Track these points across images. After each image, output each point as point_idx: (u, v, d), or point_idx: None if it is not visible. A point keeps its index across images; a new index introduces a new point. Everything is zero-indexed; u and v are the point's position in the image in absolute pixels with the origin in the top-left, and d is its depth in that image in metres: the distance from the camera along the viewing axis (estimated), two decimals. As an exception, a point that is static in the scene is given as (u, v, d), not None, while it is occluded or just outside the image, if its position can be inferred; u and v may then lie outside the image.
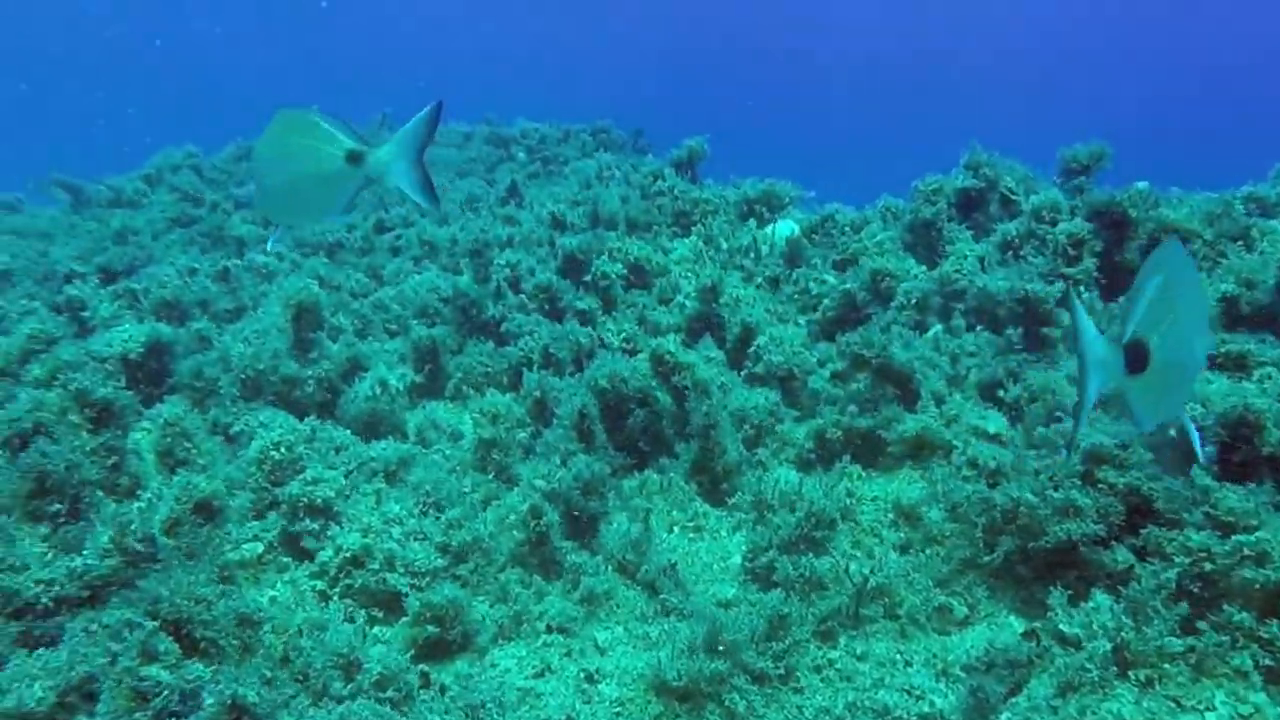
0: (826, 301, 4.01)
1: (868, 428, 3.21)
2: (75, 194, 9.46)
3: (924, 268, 3.98)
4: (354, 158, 2.26)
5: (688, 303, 4.46)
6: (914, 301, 3.68)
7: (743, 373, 4.00)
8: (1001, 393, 3.08)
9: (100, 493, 2.94)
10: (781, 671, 2.45)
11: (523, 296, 5.03)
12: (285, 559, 3.19)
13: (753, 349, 3.94)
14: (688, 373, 3.44)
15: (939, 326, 3.49)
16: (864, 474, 3.22)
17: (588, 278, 5.07)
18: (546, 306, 4.98)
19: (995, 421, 2.81)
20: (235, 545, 3.20)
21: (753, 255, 5.37)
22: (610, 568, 2.92)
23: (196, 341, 4.40)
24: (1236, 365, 2.82)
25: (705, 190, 6.28)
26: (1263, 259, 3.11)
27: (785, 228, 5.43)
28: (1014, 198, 4.33)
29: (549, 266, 5.25)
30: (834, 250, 4.84)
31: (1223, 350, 2.85)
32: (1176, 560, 2.01)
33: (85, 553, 2.52)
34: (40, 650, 2.19)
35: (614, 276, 4.89)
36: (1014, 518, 2.38)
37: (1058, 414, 2.66)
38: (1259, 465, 2.27)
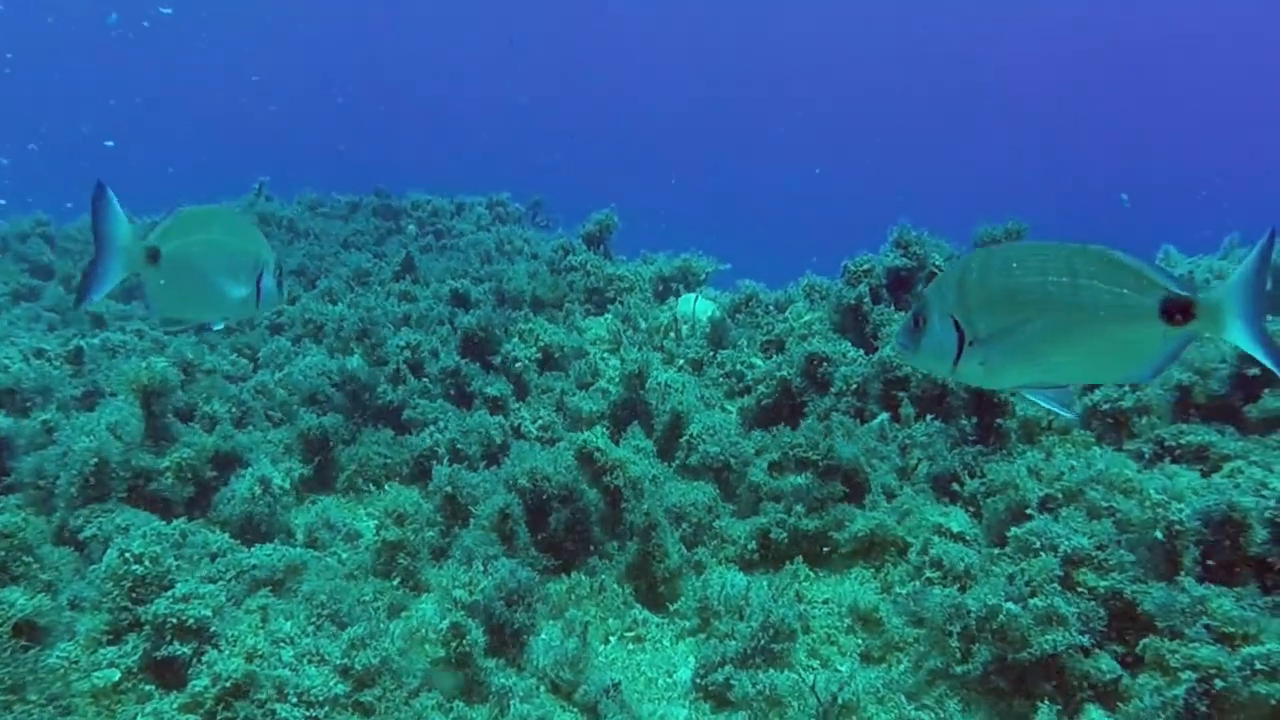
0: (762, 388, 3.93)
1: (816, 529, 3.10)
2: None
3: (861, 351, 3.96)
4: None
5: (611, 388, 4.32)
6: (854, 388, 3.64)
7: (674, 464, 3.87)
8: (956, 487, 3.03)
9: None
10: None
11: (425, 380, 4.79)
12: (148, 687, 2.81)
13: (684, 438, 3.81)
14: (620, 471, 3.28)
15: (884, 415, 3.45)
16: (812, 573, 3.10)
17: (497, 359, 4.89)
18: (452, 391, 4.75)
19: (958, 519, 2.74)
20: (85, 673, 2.81)
21: (672, 336, 5.30)
22: (543, 689, 2.67)
23: (43, 434, 3.97)
24: (1198, 457, 2.86)
25: (619, 266, 6.23)
26: (1215, 345, 3.22)
27: (705, 307, 5.39)
28: (946, 279, 4.40)
29: (451, 347, 5.04)
30: (759, 331, 4.81)
31: (1182, 442, 2.88)
32: (1183, 675, 1.94)
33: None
34: None
35: (526, 360, 4.72)
36: (989, 625, 2.28)
37: (1028, 511, 2.61)
38: (1239, 566, 2.26)
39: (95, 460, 3.54)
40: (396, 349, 5.01)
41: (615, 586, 3.25)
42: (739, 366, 4.50)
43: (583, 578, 3.31)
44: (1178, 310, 1.86)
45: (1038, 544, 2.38)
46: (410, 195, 12.11)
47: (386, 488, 4.38)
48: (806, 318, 4.47)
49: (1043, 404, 2.06)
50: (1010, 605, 2.21)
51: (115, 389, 3.80)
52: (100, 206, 2.29)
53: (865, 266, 4.43)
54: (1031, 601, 2.22)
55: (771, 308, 4.95)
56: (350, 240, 10.28)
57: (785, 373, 3.86)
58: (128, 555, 2.88)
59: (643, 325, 5.42)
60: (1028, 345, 1.95)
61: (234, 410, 4.39)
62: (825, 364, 3.80)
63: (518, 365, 4.69)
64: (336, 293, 7.18)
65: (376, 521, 3.64)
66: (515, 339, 4.85)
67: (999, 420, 3.17)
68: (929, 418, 3.38)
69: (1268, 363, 1.88)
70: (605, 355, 5.32)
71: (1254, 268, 1.84)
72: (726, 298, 5.34)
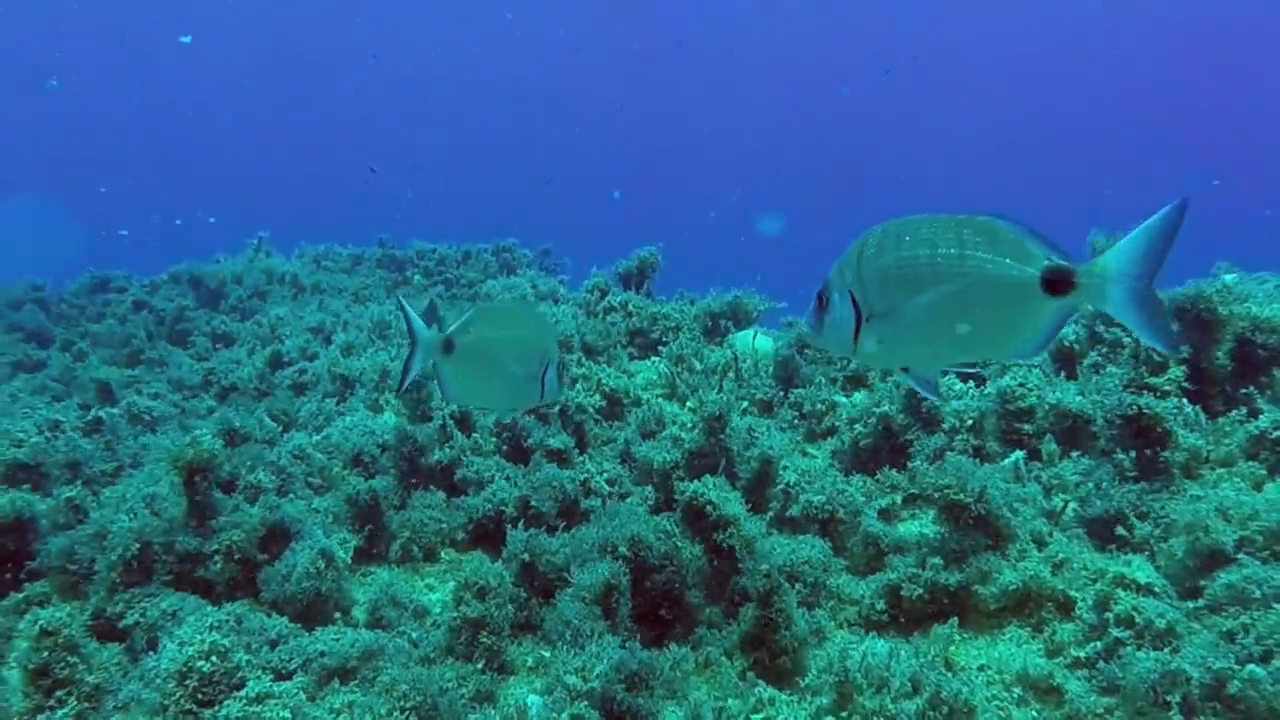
0: (859, 428, 3.64)
1: (958, 583, 2.80)
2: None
3: (970, 384, 3.69)
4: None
5: (685, 435, 4.03)
6: (969, 424, 3.36)
7: (768, 515, 3.57)
8: (1122, 531, 2.74)
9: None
10: None
11: (476, 436, 4.48)
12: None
13: (779, 487, 3.52)
14: (734, 529, 2.99)
15: (1019, 454, 3.17)
16: (957, 635, 2.79)
17: (553, 409, 4.60)
18: (505, 447, 4.45)
19: (1143, 569, 2.44)
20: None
21: (731, 375, 5.03)
22: (680, 790, 2.35)
23: (68, 512, 3.65)
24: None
25: (662, 305, 5.96)
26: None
27: (764, 344, 5.13)
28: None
29: (504, 399, 4.75)
30: (832, 367, 4.54)
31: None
32: None
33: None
34: None
35: (591, 410, 4.43)
36: (1220, 693, 1.98)
37: (1233, 557, 2.31)
38: None
39: (138, 544, 3.23)
40: (443, 403, 4.72)
41: (725, 660, 2.93)
42: (818, 406, 4.21)
43: (687, 651, 2.99)
44: (1059, 281, 1.83)
45: (1258, 594, 2.09)
46: (415, 244, 11.91)
47: (443, 554, 4.08)
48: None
49: (912, 385, 2.12)
50: (1254, 668, 1.91)
51: (155, 465, 3.48)
52: (403, 312, 2.69)
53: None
54: (1274, 663, 1.93)
55: (844, 341, 4.69)
56: (360, 293, 10.05)
57: (886, 409, 3.57)
58: (193, 650, 2.56)
59: (698, 366, 5.15)
60: (918, 320, 1.94)
61: (275, 478, 4.07)
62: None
63: (581, 415, 4.40)
64: (357, 346, 6.91)
65: (451, 594, 3.33)
66: (577, 386, 4.57)
67: (1162, 453, 2.89)
68: (1075, 454, 3.10)
69: (1144, 336, 1.82)
70: (660, 400, 5.04)
71: (1149, 235, 1.75)
72: (791, 333, 5.08)
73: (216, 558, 3.39)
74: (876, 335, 2.00)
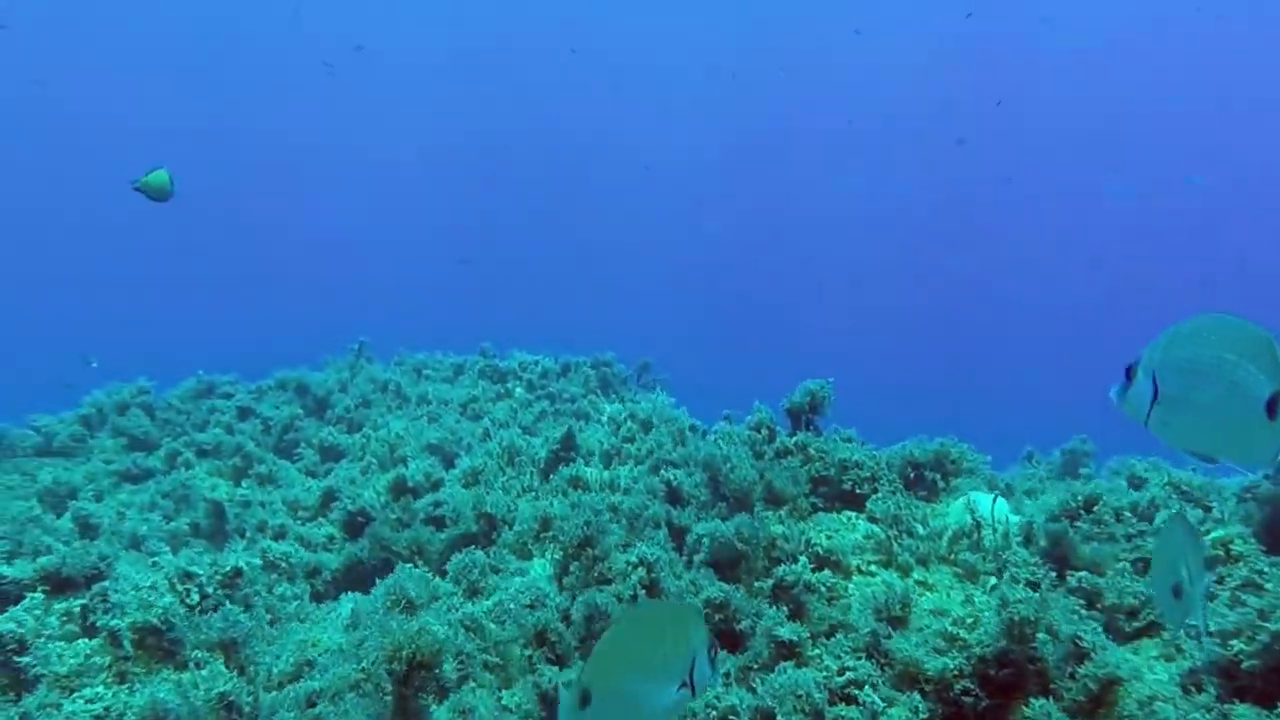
0: (1240, 644, 2.75)
1: None
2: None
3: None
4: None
5: (967, 635, 3.16)
6: None
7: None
8: None
9: None
10: None
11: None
12: None
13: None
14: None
15: None
16: None
17: (763, 583, 3.77)
18: (712, 629, 3.62)
19: None
20: None
21: (966, 545, 4.16)
22: None
23: (220, 710, 2.89)
24: None
25: (852, 449, 5.14)
26: None
27: (1002, 508, 4.27)
28: None
29: (696, 563, 3.95)
30: (1117, 545, 3.66)
31: None
32: None
33: None
34: None
35: (823, 588, 3.61)
36: None
37: None
38: None
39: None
40: (627, 567, 3.93)
41: None
42: (1126, 599, 3.32)
43: None
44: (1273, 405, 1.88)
45: None
46: (516, 355, 11.36)
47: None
48: (1218, 533, 3.33)
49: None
50: None
51: (365, 659, 2.73)
52: None
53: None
54: None
55: (1127, 514, 3.81)
56: (469, 407, 9.44)
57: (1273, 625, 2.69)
58: None
59: (921, 531, 4.30)
60: (1192, 412, 2.05)
61: (456, 664, 3.28)
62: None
63: (807, 595, 3.57)
64: (487, 475, 6.18)
65: None
66: (801, 559, 3.75)
67: None
68: None
69: None
70: (877, 569, 4.19)
71: None
72: (1050, 498, 4.22)
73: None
74: (1162, 416, 2.10)
